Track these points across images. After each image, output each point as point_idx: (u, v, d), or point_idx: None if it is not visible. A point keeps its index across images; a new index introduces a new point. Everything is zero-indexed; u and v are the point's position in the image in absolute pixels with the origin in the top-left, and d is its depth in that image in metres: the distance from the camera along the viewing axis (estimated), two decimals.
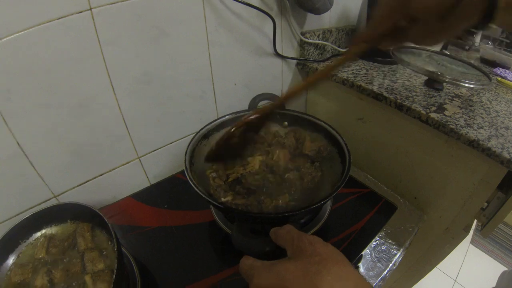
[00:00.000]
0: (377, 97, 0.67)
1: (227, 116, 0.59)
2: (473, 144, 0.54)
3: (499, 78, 0.82)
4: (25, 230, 0.44)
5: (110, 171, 0.59)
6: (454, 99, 0.67)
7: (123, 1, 0.46)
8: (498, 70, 0.88)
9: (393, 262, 0.52)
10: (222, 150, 0.45)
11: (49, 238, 0.45)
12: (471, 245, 1.70)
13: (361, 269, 0.50)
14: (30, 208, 0.51)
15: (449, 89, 0.72)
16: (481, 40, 1.09)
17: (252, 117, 0.42)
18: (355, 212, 0.60)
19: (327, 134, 0.57)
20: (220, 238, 0.54)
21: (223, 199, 0.48)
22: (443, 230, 0.69)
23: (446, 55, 0.83)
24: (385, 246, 0.54)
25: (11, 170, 0.46)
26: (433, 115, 0.59)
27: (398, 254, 0.53)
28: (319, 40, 0.80)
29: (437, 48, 0.89)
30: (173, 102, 0.62)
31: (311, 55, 0.82)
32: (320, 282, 0.25)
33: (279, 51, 0.74)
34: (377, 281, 0.49)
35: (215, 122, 0.58)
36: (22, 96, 0.43)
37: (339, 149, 0.53)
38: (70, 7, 0.42)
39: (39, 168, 0.49)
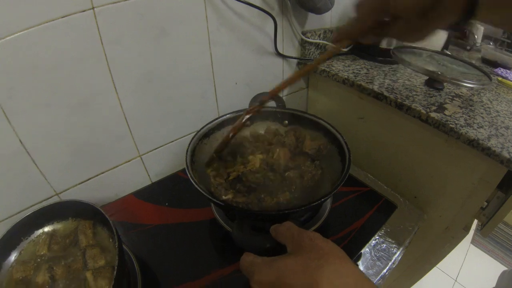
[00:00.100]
0: (378, 96, 0.67)
1: (228, 115, 0.59)
2: (473, 143, 0.54)
3: (500, 78, 0.82)
4: (27, 227, 0.44)
5: (112, 169, 0.60)
6: (455, 98, 0.67)
7: (125, 0, 0.47)
8: (499, 70, 0.88)
9: (392, 260, 0.52)
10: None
11: (51, 235, 0.45)
12: (471, 245, 1.70)
13: (361, 267, 0.50)
14: (32, 206, 0.51)
15: (449, 89, 0.72)
16: (482, 40, 1.08)
17: (244, 120, 0.47)
18: (355, 211, 0.60)
19: (327, 132, 0.57)
20: (221, 236, 0.55)
21: (224, 197, 0.49)
22: (443, 229, 0.69)
23: (447, 55, 0.83)
24: (385, 245, 0.54)
25: (13, 168, 0.47)
26: (433, 114, 0.59)
27: (398, 253, 0.53)
28: (320, 39, 0.80)
29: (438, 48, 0.89)
30: (174, 101, 0.62)
31: (312, 54, 0.82)
32: (320, 277, 0.25)
33: (280, 51, 0.74)
34: (376, 279, 0.49)
35: (216, 121, 0.58)
36: (24, 94, 0.43)
37: (339, 148, 0.54)
38: (72, 6, 0.42)
39: (41, 166, 0.49)
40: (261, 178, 0.52)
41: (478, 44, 1.05)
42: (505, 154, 0.50)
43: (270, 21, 0.67)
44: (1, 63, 0.40)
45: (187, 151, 0.51)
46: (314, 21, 0.79)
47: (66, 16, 0.42)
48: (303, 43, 0.79)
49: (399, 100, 0.63)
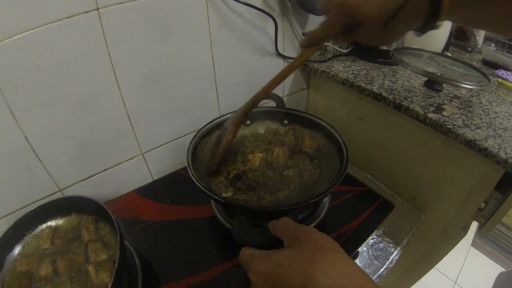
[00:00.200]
0: (377, 97, 0.67)
1: (228, 115, 0.60)
2: (470, 144, 0.54)
3: (500, 80, 0.83)
4: (31, 222, 0.46)
5: (115, 166, 0.61)
6: (453, 100, 0.68)
7: (129, 1, 0.48)
8: (500, 72, 0.88)
9: (390, 260, 0.52)
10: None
11: (54, 230, 0.46)
12: (471, 247, 1.69)
13: None
14: (36, 201, 0.52)
15: (448, 90, 0.72)
16: (483, 42, 1.08)
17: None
18: (353, 210, 0.61)
19: (326, 132, 0.58)
20: (220, 233, 0.55)
21: (224, 195, 0.50)
22: (441, 230, 0.69)
23: (447, 56, 0.84)
24: (383, 244, 0.55)
25: (18, 163, 0.48)
26: (430, 115, 0.59)
27: (395, 252, 0.54)
28: None
29: (439, 49, 0.89)
30: (176, 100, 0.63)
31: (312, 55, 0.82)
32: (315, 268, 0.26)
33: (281, 51, 0.75)
34: (373, 278, 0.50)
35: (216, 120, 0.59)
36: (30, 92, 0.44)
37: (337, 147, 0.54)
38: (77, 7, 0.43)
39: (45, 162, 0.50)
40: (261, 177, 0.53)
41: (479, 46, 1.05)
42: (502, 155, 0.51)
43: (270, 22, 0.68)
44: (7, 62, 0.41)
45: (188, 149, 0.52)
46: (315, 22, 0.80)
47: (71, 16, 0.43)
48: None
49: (397, 100, 0.64)
